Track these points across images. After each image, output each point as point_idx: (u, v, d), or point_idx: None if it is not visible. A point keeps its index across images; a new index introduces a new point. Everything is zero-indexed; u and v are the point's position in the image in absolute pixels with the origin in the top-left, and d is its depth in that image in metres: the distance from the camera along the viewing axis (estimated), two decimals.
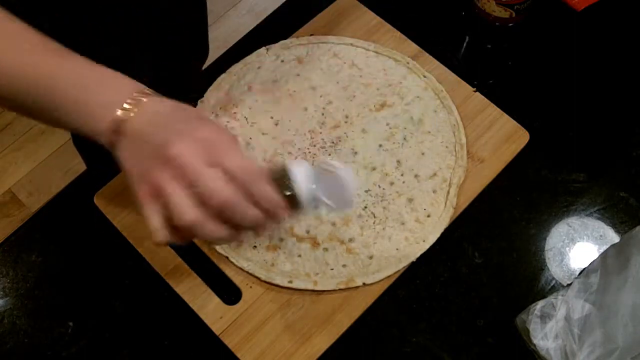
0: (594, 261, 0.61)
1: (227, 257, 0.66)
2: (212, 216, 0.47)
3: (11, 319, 0.67)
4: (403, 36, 0.79)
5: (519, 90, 0.77)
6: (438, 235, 0.67)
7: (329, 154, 0.72)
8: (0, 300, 0.68)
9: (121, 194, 0.70)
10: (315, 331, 0.63)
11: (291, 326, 0.63)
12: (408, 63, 0.77)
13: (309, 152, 0.72)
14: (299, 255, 0.66)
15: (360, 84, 0.76)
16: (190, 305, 0.64)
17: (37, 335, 0.66)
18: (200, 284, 0.65)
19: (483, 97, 0.75)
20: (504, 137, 0.72)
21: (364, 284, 0.65)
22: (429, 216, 0.68)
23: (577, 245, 0.68)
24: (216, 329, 0.63)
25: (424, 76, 0.76)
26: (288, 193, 0.50)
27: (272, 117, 0.74)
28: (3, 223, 1.60)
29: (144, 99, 0.48)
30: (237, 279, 0.66)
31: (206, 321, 0.64)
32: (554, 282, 0.66)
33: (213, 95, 0.75)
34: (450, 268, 0.67)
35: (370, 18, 0.80)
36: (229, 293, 0.65)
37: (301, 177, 0.50)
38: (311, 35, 0.79)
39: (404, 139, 0.72)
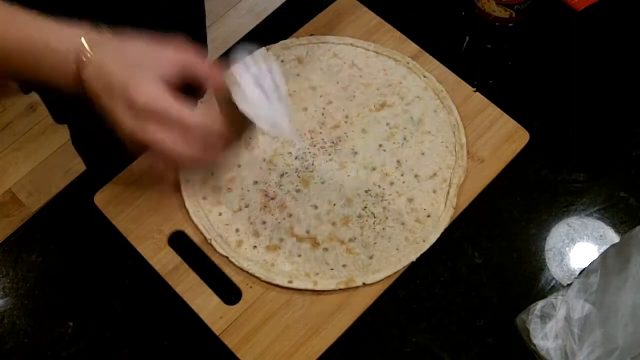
0: (594, 261, 0.61)
1: (227, 257, 0.66)
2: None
3: (11, 319, 0.67)
4: (403, 36, 0.79)
5: (519, 90, 0.77)
6: (438, 235, 0.67)
7: (329, 154, 0.72)
8: (0, 300, 0.68)
9: (121, 194, 0.70)
10: (315, 331, 0.63)
11: (291, 326, 0.63)
12: (408, 63, 0.77)
13: (309, 152, 0.72)
14: (299, 255, 0.66)
15: (360, 84, 0.76)
16: (190, 305, 0.64)
17: (37, 335, 0.66)
18: (200, 284, 0.65)
19: (483, 97, 0.75)
20: (504, 137, 0.72)
21: (364, 284, 0.65)
22: (429, 216, 0.68)
23: (577, 245, 0.68)
24: (216, 329, 0.63)
25: (424, 76, 0.76)
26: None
27: None
28: (3, 223, 1.60)
29: (95, 42, 0.55)
30: (237, 279, 0.66)
31: (206, 321, 0.64)
32: (554, 282, 0.66)
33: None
34: (450, 268, 0.67)
35: (370, 18, 0.80)
36: (229, 293, 0.65)
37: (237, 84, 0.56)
38: (311, 35, 0.79)
39: (404, 139, 0.72)
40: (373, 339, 0.65)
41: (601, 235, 0.69)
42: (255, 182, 0.70)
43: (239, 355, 0.62)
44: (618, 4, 0.82)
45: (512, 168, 0.71)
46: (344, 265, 0.66)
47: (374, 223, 0.68)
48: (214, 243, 0.66)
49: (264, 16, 0.84)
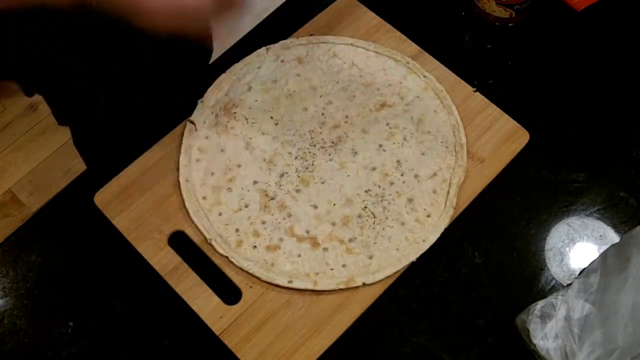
0: (594, 261, 0.61)
1: (227, 257, 0.66)
2: None
3: (11, 319, 0.67)
4: (403, 36, 0.79)
5: (519, 90, 0.77)
6: (438, 235, 0.67)
7: (329, 154, 0.72)
8: (0, 300, 0.68)
9: (121, 194, 0.70)
10: (315, 331, 0.63)
11: (291, 326, 0.63)
12: (408, 63, 0.77)
13: (309, 152, 0.72)
14: (299, 255, 0.66)
15: (360, 84, 0.76)
16: (190, 305, 0.64)
17: (37, 335, 0.66)
18: (200, 284, 0.65)
19: (483, 97, 0.75)
20: (504, 137, 0.72)
21: (364, 284, 0.65)
22: (429, 216, 0.68)
23: (577, 245, 0.68)
24: (216, 329, 0.63)
25: (424, 76, 0.76)
26: None
27: (272, 117, 0.74)
28: (3, 223, 1.60)
29: None
30: (237, 279, 0.66)
31: (206, 321, 0.64)
32: (554, 282, 0.66)
33: (213, 95, 0.75)
34: (450, 268, 0.67)
35: (370, 18, 0.80)
36: (229, 293, 0.65)
37: None
38: (311, 35, 0.79)
39: (404, 139, 0.72)
40: (373, 339, 0.65)
41: (601, 235, 0.69)
42: (255, 182, 0.70)
43: (239, 355, 0.62)
44: (618, 4, 0.82)
45: (512, 168, 0.71)
46: (344, 265, 0.66)
47: (374, 223, 0.68)
48: (214, 243, 0.66)
49: (264, 16, 0.84)
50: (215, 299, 0.65)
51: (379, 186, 0.70)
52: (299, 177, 0.70)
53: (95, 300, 0.68)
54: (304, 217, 0.68)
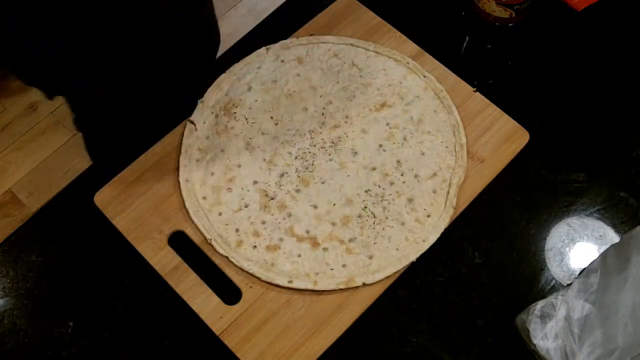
0: (594, 261, 0.61)
1: (227, 257, 0.66)
2: None
3: (11, 319, 0.67)
4: (403, 36, 0.79)
5: (519, 90, 0.77)
6: (438, 235, 0.67)
7: (329, 154, 0.72)
8: (0, 300, 0.68)
9: (121, 194, 0.70)
10: (315, 331, 0.63)
11: (291, 326, 0.63)
12: (408, 63, 0.77)
13: (309, 152, 0.72)
14: (299, 255, 0.66)
15: (360, 84, 0.76)
16: (190, 305, 0.64)
17: (37, 335, 0.66)
18: (200, 284, 0.65)
19: (483, 97, 0.75)
20: (504, 137, 0.72)
21: (364, 284, 0.65)
22: (429, 216, 0.68)
23: (577, 245, 0.68)
24: (216, 329, 0.63)
25: (424, 76, 0.76)
26: None
27: (272, 117, 0.74)
28: (3, 223, 1.60)
29: None
30: (237, 279, 0.66)
31: (206, 321, 0.64)
32: (554, 282, 0.66)
33: (213, 95, 0.75)
34: (450, 268, 0.67)
35: (370, 18, 0.80)
36: (229, 293, 0.65)
37: None
38: (311, 35, 0.79)
39: (404, 139, 0.72)
40: (373, 339, 0.65)
41: (601, 235, 0.69)
42: (255, 182, 0.70)
43: (239, 355, 0.62)
44: (618, 4, 0.82)
45: (512, 168, 0.71)
46: (344, 265, 0.66)
47: (374, 223, 0.68)
48: (214, 243, 0.66)
49: (264, 16, 0.84)
50: (215, 299, 0.65)
51: (379, 186, 0.70)
52: (299, 177, 0.70)
53: (95, 300, 0.68)
54: (304, 217, 0.68)
